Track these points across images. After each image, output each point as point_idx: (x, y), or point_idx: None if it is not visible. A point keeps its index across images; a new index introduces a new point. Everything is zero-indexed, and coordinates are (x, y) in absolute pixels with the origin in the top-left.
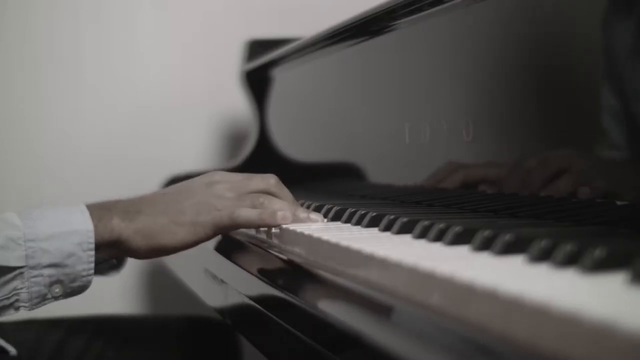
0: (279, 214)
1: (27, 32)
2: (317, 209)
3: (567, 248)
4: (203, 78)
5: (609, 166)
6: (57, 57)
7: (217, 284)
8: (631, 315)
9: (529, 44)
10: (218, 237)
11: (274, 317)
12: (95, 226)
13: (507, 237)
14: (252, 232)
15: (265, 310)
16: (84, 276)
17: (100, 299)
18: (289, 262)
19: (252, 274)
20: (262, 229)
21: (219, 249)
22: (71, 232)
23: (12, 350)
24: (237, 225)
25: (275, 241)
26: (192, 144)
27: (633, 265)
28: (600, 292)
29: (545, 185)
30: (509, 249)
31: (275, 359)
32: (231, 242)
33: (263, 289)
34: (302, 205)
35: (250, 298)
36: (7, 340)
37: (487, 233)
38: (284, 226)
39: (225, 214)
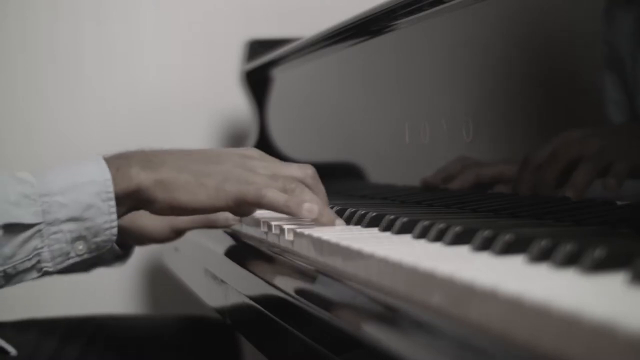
0: (306, 205)
1: (27, 32)
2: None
3: (567, 248)
4: (203, 78)
5: (608, 165)
6: (57, 57)
7: (217, 284)
8: (631, 315)
9: (529, 43)
10: (218, 237)
11: (274, 317)
12: (113, 175)
13: (507, 237)
14: (252, 231)
15: (265, 310)
16: (106, 229)
17: (100, 299)
18: (289, 262)
19: (252, 273)
20: (262, 228)
21: (219, 248)
22: (87, 182)
23: (12, 350)
24: (260, 204)
25: (274, 241)
26: (192, 144)
27: (633, 265)
28: (600, 292)
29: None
30: (509, 249)
31: (275, 359)
32: (230, 242)
33: (263, 289)
34: None
35: (250, 298)
36: (7, 340)
37: (487, 233)
38: (284, 226)
39: (253, 189)
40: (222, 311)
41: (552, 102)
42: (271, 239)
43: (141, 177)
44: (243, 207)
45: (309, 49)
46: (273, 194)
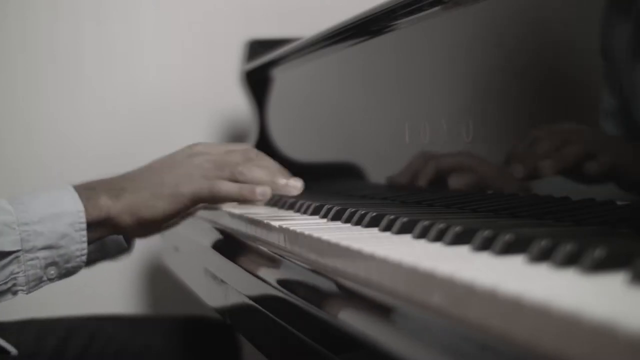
0: (258, 189)
1: (27, 32)
2: (317, 209)
3: (567, 248)
4: (203, 78)
5: (608, 165)
6: (57, 57)
7: (217, 284)
8: (631, 315)
9: (529, 44)
10: (218, 237)
11: (274, 317)
12: (85, 206)
13: (507, 237)
14: (253, 231)
15: (265, 310)
16: (77, 256)
17: (100, 299)
18: (289, 263)
19: (251, 273)
20: (262, 227)
21: (219, 248)
22: (62, 213)
23: (12, 350)
24: (216, 199)
25: (275, 241)
26: None
27: (633, 265)
28: (600, 292)
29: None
30: (509, 249)
31: (274, 359)
32: (231, 242)
33: (263, 288)
34: (301, 205)
35: (250, 298)
36: (7, 340)
37: (487, 233)
38: (285, 226)
39: (206, 186)
40: (222, 311)
41: (552, 102)
42: (271, 239)
43: (109, 206)
44: (202, 203)
45: (309, 49)
46: (225, 187)
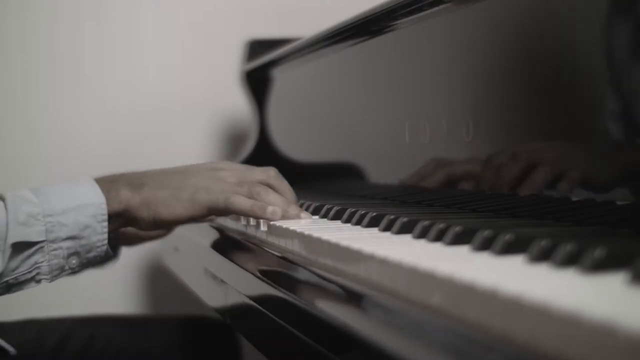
0: (270, 208)
1: (27, 32)
2: (317, 209)
3: (567, 248)
4: (203, 78)
5: (608, 165)
6: (57, 57)
7: (217, 284)
8: (631, 315)
9: (529, 44)
10: (217, 237)
11: (274, 317)
12: (106, 198)
13: (507, 237)
14: (254, 231)
15: (265, 310)
16: (98, 246)
17: (100, 299)
18: (289, 262)
19: (252, 273)
20: (261, 227)
21: (219, 248)
22: (85, 204)
23: (12, 350)
24: (229, 211)
25: (275, 241)
26: (192, 144)
27: (633, 265)
28: (600, 292)
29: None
30: (509, 249)
31: (274, 359)
32: (231, 242)
33: (263, 288)
34: (301, 205)
35: (250, 298)
36: (7, 340)
37: (487, 233)
38: (284, 226)
39: (222, 198)
40: (222, 311)
41: (552, 102)
42: (271, 239)
43: (129, 198)
44: (216, 214)
45: (309, 49)
46: (239, 200)
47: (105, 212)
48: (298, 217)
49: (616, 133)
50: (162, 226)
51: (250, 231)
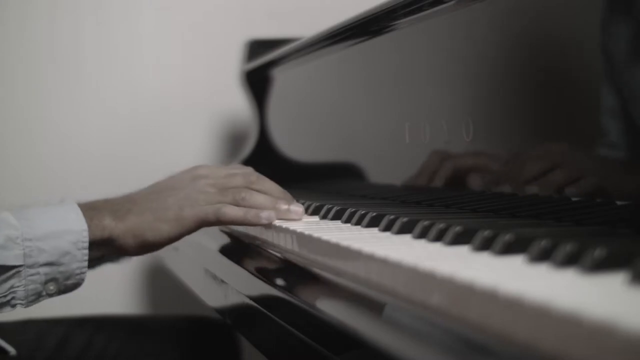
0: (264, 214)
1: (27, 32)
2: (317, 209)
3: (567, 248)
4: (203, 78)
5: (608, 165)
6: (57, 57)
7: (217, 284)
8: (631, 315)
9: (529, 43)
10: (218, 237)
11: (274, 317)
12: (88, 225)
13: (507, 237)
14: (253, 231)
15: (265, 310)
16: (77, 274)
17: (100, 299)
18: (289, 262)
19: (252, 273)
20: (262, 227)
21: (219, 249)
22: (66, 231)
23: (12, 350)
24: (221, 223)
25: (275, 241)
26: (192, 144)
27: (633, 265)
28: (600, 292)
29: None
30: (509, 249)
31: (275, 359)
32: (231, 242)
33: (263, 288)
34: (303, 204)
35: (250, 298)
36: (7, 340)
37: (487, 233)
38: (284, 226)
39: (211, 211)
40: (222, 311)
41: (552, 102)
42: (271, 238)
43: (112, 227)
44: (206, 226)
45: (309, 49)
46: (231, 212)
47: (87, 239)
48: (289, 211)
49: (617, 133)
50: (152, 250)
51: (251, 231)
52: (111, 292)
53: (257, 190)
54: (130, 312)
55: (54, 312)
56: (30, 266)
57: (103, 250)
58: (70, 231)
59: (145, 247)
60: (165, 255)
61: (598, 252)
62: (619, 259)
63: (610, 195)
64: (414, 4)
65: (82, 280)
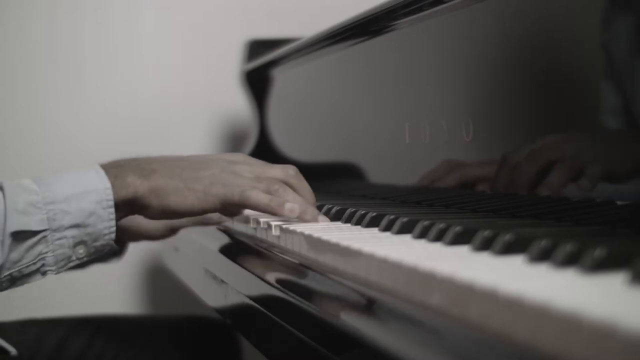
0: (287, 205)
1: (27, 32)
2: (317, 209)
3: (567, 248)
4: (203, 78)
5: (608, 165)
6: (57, 57)
7: (217, 284)
8: (631, 315)
9: (529, 44)
10: (217, 237)
11: (274, 317)
12: (112, 184)
13: (507, 237)
14: (252, 232)
15: (265, 310)
16: (106, 234)
17: (100, 299)
18: (289, 262)
19: (252, 273)
20: (262, 226)
21: (219, 249)
22: (89, 191)
23: (12, 350)
24: (245, 205)
25: (275, 241)
26: (192, 144)
27: (633, 265)
28: (600, 292)
29: (536, 181)
30: (509, 249)
31: (275, 359)
32: (232, 242)
33: (263, 289)
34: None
35: (251, 298)
36: (7, 340)
37: (487, 233)
38: (284, 226)
39: (238, 191)
40: (222, 311)
41: (552, 102)
42: (271, 238)
43: (137, 185)
44: (230, 208)
45: (309, 49)
46: (257, 195)
47: (112, 198)
48: (316, 220)
49: (617, 133)
50: (172, 216)
51: (251, 231)
52: (111, 292)
53: (293, 188)
54: (130, 312)
55: (54, 312)
56: (56, 230)
57: (128, 210)
58: (93, 190)
59: (167, 212)
60: (166, 255)
61: (598, 252)
62: (619, 259)
63: (610, 195)
64: (414, 4)
65: (112, 240)
